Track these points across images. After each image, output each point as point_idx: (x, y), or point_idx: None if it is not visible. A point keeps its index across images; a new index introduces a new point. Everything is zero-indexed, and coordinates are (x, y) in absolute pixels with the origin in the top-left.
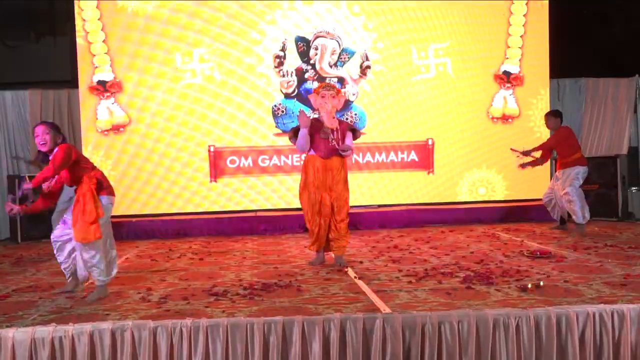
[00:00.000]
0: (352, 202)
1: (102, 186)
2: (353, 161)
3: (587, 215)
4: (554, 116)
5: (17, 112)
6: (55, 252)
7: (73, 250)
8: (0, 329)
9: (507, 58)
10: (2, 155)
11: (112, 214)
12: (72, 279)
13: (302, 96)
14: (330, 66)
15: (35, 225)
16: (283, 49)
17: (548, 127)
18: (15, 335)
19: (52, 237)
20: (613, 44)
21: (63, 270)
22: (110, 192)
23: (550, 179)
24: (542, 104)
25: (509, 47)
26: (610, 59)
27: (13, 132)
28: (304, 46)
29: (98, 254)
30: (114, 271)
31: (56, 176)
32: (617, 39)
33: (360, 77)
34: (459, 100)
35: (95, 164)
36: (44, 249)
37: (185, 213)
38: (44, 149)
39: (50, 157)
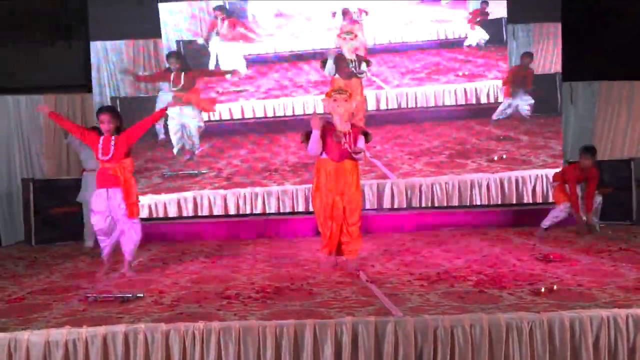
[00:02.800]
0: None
1: None
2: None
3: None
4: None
5: (32, 117)
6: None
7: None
8: (15, 331)
9: None
10: (17, 159)
11: None
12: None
13: None
14: None
15: (49, 228)
16: None
17: (588, 164)
18: (30, 338)
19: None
20: (627, 47)
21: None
22: None
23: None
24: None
25: None
26: (623, 62)
27: (27, 136)
28: None
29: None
30: None
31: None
32: (631, 42)
33: None
34: None
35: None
36: (58, 252)
37: (197, 216)
38: (107, 133)
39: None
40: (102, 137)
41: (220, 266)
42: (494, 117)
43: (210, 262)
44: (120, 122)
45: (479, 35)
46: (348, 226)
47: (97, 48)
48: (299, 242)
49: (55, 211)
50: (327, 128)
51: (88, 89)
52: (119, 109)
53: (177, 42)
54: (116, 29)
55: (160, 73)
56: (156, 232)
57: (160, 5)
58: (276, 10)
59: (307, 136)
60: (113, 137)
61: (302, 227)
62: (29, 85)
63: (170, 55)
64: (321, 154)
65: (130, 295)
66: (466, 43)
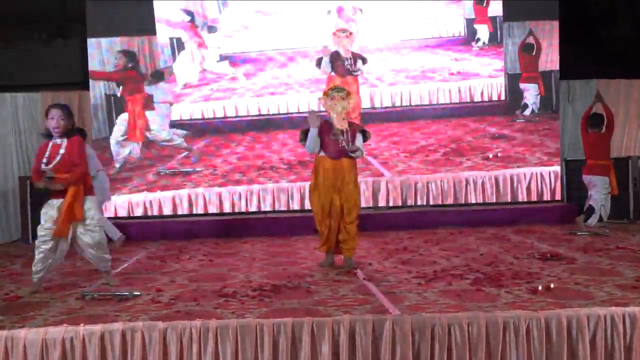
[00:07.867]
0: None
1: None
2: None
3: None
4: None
5: (29, 115)
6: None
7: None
8: (12, 329)
9: None
10: (14, 157)
11: (122, 215)
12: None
13: None
14: None
15: None
16: None
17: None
18: (27, 336)
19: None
20: (624, 45)
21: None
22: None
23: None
24: None
25: None
26: (621, 60)
27: (25, 134)
28: None
29: None
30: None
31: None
32: (629, 39)
33: None
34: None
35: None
36: None
37: (195, 214)
38: (56, 133)
39: (63, 150)
40: (50, 142)
41: (218, 264)
42: (534, 109)
43: (208, 260)
44: (72, 125)
45: (485, 31)
46: (346, 224)
47: (94, 45)
48: (297, 240)
49: None
50: (325, 126)
51: (85, 86)
52: (114, 108)
53: (170, 39)
54: (113, 26)
55: (118, 73)
56: (154, 230)
57: (156, 3)
58: (268, 8)
59: (305, 134)
60: (65, 141)
61: (301, 225)
62: (27, 83)
63: (124, 53)
64: (319, 152)
65: (127, 293)
66: (481, 40)
